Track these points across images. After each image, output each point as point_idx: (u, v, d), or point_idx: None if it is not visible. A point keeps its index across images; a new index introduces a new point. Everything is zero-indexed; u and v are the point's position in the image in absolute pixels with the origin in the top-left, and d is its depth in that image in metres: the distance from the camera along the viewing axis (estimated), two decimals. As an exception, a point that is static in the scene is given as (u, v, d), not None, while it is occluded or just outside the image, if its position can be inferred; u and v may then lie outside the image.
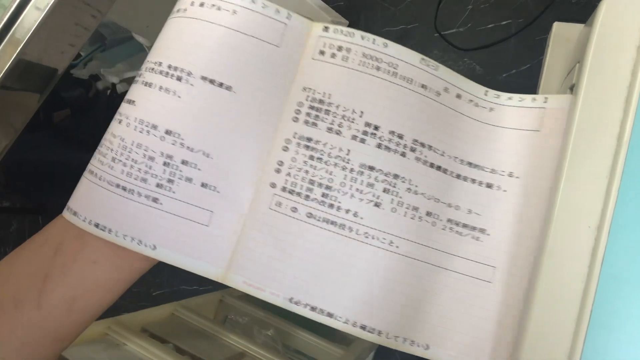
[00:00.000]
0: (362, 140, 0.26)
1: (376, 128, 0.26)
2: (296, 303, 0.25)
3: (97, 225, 0.25)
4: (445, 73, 0.27)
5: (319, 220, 0.25)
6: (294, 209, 0.25)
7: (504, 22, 0.83)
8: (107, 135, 0.27)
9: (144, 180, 0.25)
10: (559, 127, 0.26)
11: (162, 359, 0.54)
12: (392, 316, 0.26)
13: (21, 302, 0.25)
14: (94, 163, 0.26)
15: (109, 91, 1.06)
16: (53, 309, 0.25)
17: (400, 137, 0.26)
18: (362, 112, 0.26)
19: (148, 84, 0.26)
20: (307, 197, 0.25)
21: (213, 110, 0.25)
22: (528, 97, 0.27)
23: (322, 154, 0.25)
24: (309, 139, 0.26)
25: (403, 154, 0.26)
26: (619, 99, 0.24)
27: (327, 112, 0.26)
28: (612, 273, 0.23)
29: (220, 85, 0.25)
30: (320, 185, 0.25)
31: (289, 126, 0.26)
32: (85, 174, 0.27)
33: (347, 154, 0.25)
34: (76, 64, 0.97)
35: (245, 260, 0.25)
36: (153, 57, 0.27)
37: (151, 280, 1.10)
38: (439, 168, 0.26)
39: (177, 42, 0.26)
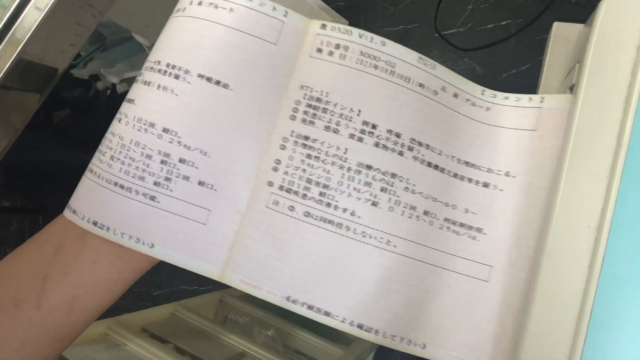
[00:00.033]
0: (360, 139, 0.26)
1: (374, 127, 0.26)
2: (293, 302, 0.25)
3: (95, 224, 0.25)
4: (443, 72, 0.27)
5: (316, 219, 0.25)
6: (291, 208, 0.25)
7: (504, 22, 0.83)
8: (107, 134, 0.27)
9: (142, 178, 0.25)
10: (555, 126, 0.26)
11: (162, 359, 0.54)
12: (389, 315, 0.26)
13: (21, 302, 0.25)
14: (94, 162, 0.26)
15: (109, 91, 1.06)
16: (53, 309, 0.25)
17: (398, 136, 0.26)
18: (359, 110, 0.26)
19: (147, 83, 0.26)
20: (304, 195, 0.25)
21: (210, 108, 0.25)
22: (524, 97, 0.27)
23: (319, 153, 0.25)
24: (307, 138, 0.26)
25: (401, 153, 0.26)
26: (619, 99, 0.24)
27: (325, 110, 0.26)
28: (612, 273, 0.23)
29: (217, 83, 0.25)
30: (317, 184, 0.25)
31: (287, 124, 0.26)
32: (86, 172, 0.27)
33: (345, 153, 0.25)
34: (76, 64, 0.97)
35: (242, 259, 0.25)
36: (153, 56, 0.27)
37: (151, 280, 1.10)
38: (436, 167, 0.26)
39: (176, 41, 0.26)
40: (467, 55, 0.85)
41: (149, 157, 0.25)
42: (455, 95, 0.27)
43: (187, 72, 0.25)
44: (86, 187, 0.26)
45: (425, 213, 0.26)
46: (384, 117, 0.26)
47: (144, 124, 0.25)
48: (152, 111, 0.25)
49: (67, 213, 0.26)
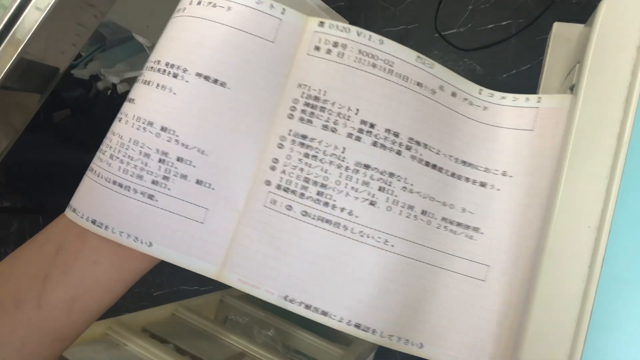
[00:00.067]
0: (358, 138, 0.26)
1: (372, 126, 0.26)
2: (291, 301, 0.25)
3: (94, 222, 0.25)
4: (441, 71, 0.27)
5: (313, 218, 0.25)
6: (289, 207, 0.25)
7: (504, 23, 0.83)
8: (108, 134, 0.27)
9: (140, 177, 0.25)
10: (554, 126, 0.26)
11: (162, 359, 0.54)
12: (387, 315, 0.26)
13: (22, 302, 0.25)
14: (95, 161, 0.27)
15: (109, 91, 1.06)
16: (53, 309, 0.25)
17: (396, 135, 0.26)
18: (357, 109, 0.26)
19: (147, 82, 0.26)
20: (302, 195, 0.25)
21: (209, 108, 0.25)
22: (522, 97, 0.27)
23: (317, 152, 0.25)
24: (304, 137, 0.26)
25: (399, 152, 0.26)
26: (619, 99, 0.24)
27: (323, 109, 0.26)
28: (612, 273, 0.23)
29: (215, 81, 0.25)
30: (315, 183, 0.25)
31: (284, 123, 0.26)
32: (87, 172, 0.27)
33: (343, 152, 0.25)
34: (77, 64, 0.97)
35: (240, 258, 0.25)
36: (154, 56, 0.27)
37: (151, 281, 1.10)
38: (434, 166, 0.26)
39: (175, 41, 0.26)
40: (467, 56, 0.85)
41: (147, 155, 0.25)
42: (453, 95, 0.27)
43: (185, 70, 0.25)
44: (86, 186, 0.26)
45: (423, 212, 0.26)
46: (382, 116, 0.26)
47: (143, 123, 0.25)
48: (151, 110, 0.25)
49: (67, 212, 0.26)
